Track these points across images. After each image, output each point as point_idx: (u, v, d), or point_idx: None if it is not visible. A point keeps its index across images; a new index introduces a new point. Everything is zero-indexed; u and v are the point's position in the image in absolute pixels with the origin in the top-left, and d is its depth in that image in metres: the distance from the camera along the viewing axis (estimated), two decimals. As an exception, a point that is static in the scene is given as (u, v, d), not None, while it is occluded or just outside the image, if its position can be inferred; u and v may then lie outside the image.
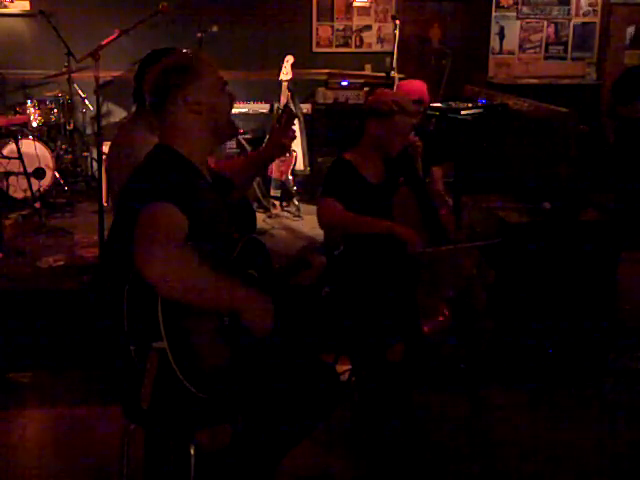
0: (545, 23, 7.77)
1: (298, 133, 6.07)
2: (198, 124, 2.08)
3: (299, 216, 5.73)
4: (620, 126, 5.31)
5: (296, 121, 2.77)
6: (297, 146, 6.03)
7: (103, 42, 4.02)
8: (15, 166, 5.42)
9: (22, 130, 5.83)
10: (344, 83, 6.90)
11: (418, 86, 4.05)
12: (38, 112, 6.20)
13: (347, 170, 3.02)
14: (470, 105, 5.08)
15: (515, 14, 7.71)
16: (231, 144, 6.09)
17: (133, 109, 3.01)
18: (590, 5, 7.75)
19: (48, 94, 6.46)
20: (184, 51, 2.37)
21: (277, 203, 5.86)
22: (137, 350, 1.89)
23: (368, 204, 2.94)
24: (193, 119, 2.07)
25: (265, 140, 5.42)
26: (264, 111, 6.51)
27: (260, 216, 5.63)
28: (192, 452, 2.08)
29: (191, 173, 2.06)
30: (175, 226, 1.86)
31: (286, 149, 2.55)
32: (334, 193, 2.94)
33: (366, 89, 6.78)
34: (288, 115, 2.67)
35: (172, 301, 1.81)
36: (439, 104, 5.07)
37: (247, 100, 6.53)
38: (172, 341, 1.82)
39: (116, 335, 1.96)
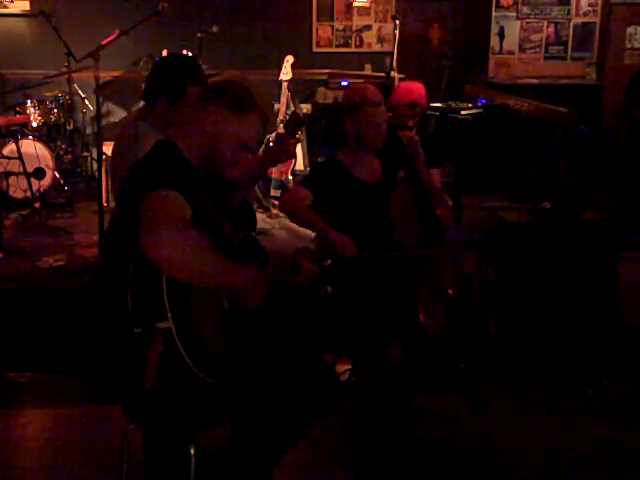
0: (545, 23, 7.77)
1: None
2: (200, 140, 2.11)
3: (299, 216, 5.71)
4: (634, 128, 5.31)
5: None
6: (297, 146, 6.02)
7: (103, 42, 4.03)
8: (15, 166, 5.41)
9: (22, 130, 5.82)
10: (344, 83, 6.90)
11: (416, 88, 3.98)
12: (38, 112, 6.20)
13: (336, 169, 3.01)
14: (470, 105, 5.08)
15: (515, 14, 7.70)
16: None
17: (133, 109, 3.01)
18: (590, 5, 7.74)
19: (48, 94, 6.45)
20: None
21: (277, 203, 5.85)
22: (142, 333, 1.90)
23: (362, 203, 2.94)
24: (201, 132, 2.10)
25: (264, 142, 5.43)
26: (264, 111, 6.48)
27: (260, 216, 5.62)
28: (192, 452, 2.08)
29: (187, 169, 2.10)
30: (180, 210, 1.90)
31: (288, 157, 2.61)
32: (311, 185, 2.95)
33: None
34: (294, 121, 2.67)
35: (177, 281, 1.84)
36: (439, 104, 5.07)
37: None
38: (177, 321, 1.84)
39: (119, 320, 1.97)
